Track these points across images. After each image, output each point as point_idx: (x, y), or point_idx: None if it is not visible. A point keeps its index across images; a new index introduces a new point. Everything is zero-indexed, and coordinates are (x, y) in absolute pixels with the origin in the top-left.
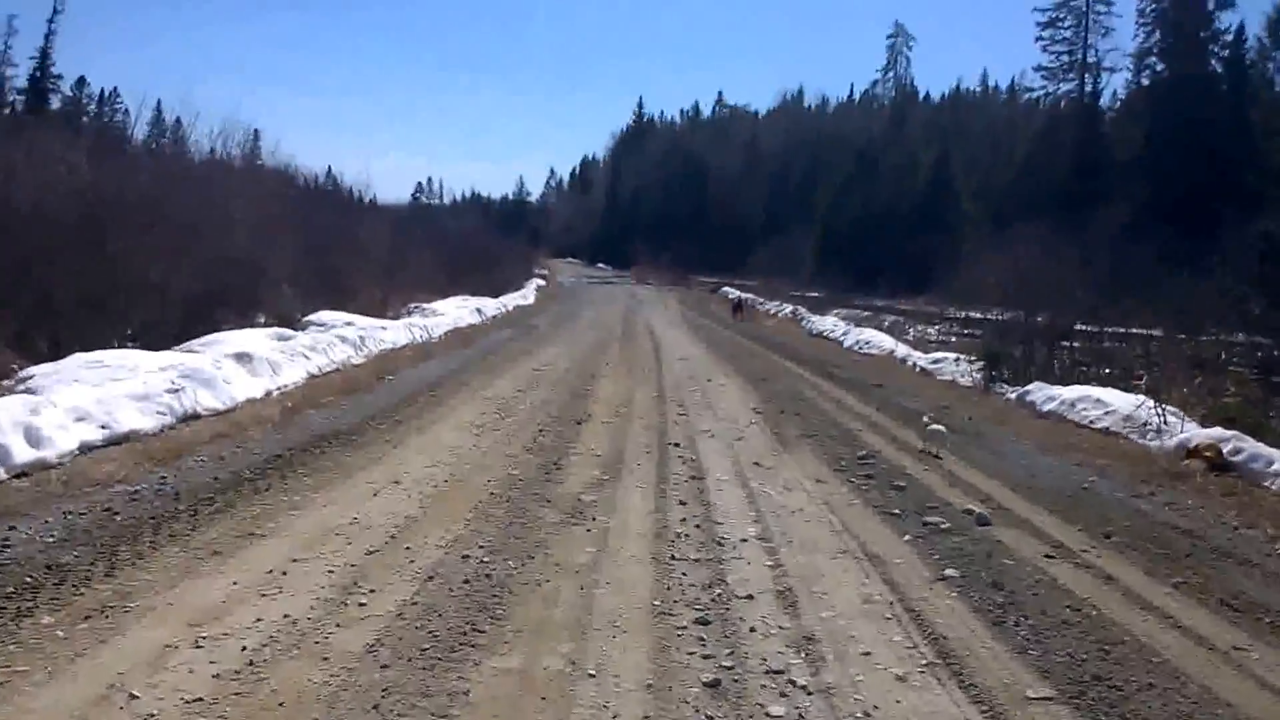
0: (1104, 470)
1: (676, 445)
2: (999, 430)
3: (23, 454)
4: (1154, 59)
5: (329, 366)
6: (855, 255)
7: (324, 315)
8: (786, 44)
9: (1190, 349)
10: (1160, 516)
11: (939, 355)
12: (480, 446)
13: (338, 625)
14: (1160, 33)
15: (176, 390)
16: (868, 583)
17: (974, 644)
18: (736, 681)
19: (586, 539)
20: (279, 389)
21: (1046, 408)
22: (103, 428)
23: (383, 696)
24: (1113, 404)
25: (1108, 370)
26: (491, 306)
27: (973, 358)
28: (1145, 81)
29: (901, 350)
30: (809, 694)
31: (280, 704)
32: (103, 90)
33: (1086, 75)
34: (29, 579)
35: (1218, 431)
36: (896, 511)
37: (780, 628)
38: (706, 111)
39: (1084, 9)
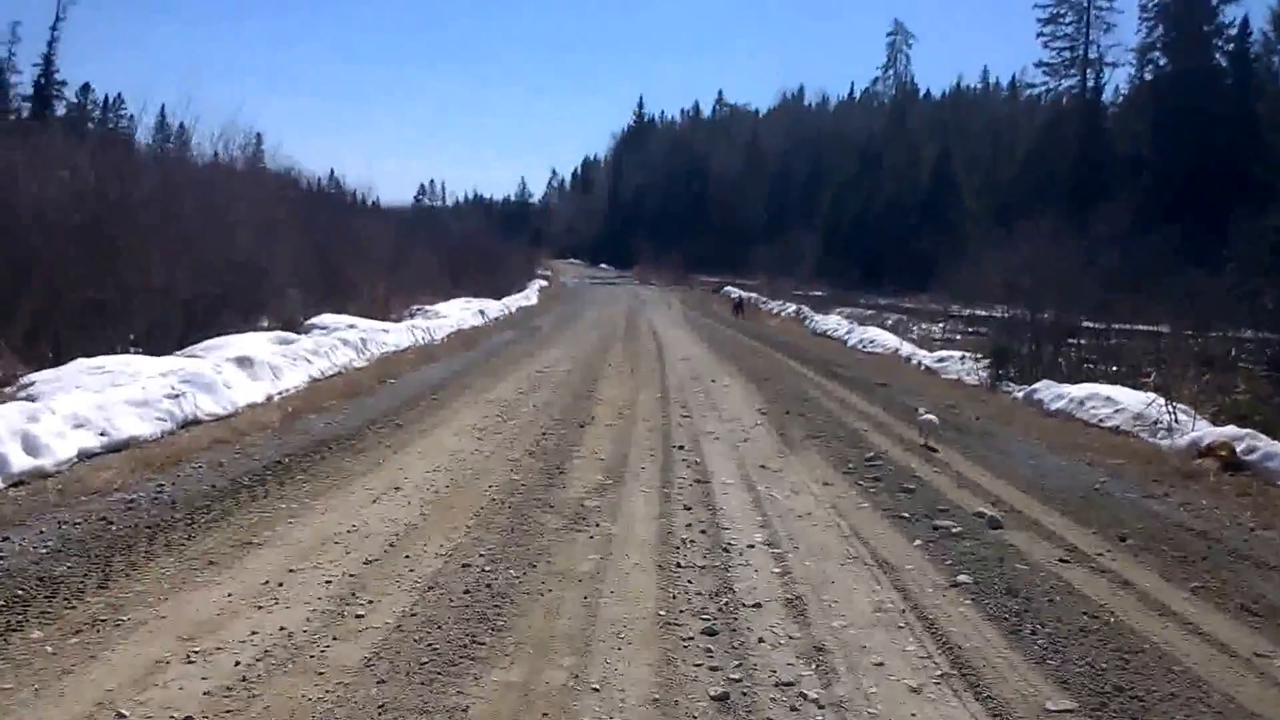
0: (1115, 470)
1: (681, 448)
2: (1007, 429)
3: (20, 462)
4: (1157, 53)
5: (331, 370)
6: (858, 253)
7: (326, 318)
8: (787, 42)
9: (1198, 345)
10: (1174, 518)
11: (944, 354)
12: (482, 451)
13: (334, 638)
14: (1163, 27)
15: (177, 396)
16: (878, 590)
17: (990, 654)
18: (745, 695)
19: (590, 546)
20: (280, 393)
21: (1054, 406)
22: (102, 435)
23: (379, 713)
24: (1122, 402)
25: (1115, 368)
26: (494, 308)
27: (978, 356)
28: (1148, 76)
29: (906, 349)
30: (820, 708)
31: None
32: (106, 96)
33: (1088, 71)
34: (20, 592)
35: (1230, 430)
36: (906, 515)
37: (790, 638)
38: (707, 111)
39: (1085, 4)
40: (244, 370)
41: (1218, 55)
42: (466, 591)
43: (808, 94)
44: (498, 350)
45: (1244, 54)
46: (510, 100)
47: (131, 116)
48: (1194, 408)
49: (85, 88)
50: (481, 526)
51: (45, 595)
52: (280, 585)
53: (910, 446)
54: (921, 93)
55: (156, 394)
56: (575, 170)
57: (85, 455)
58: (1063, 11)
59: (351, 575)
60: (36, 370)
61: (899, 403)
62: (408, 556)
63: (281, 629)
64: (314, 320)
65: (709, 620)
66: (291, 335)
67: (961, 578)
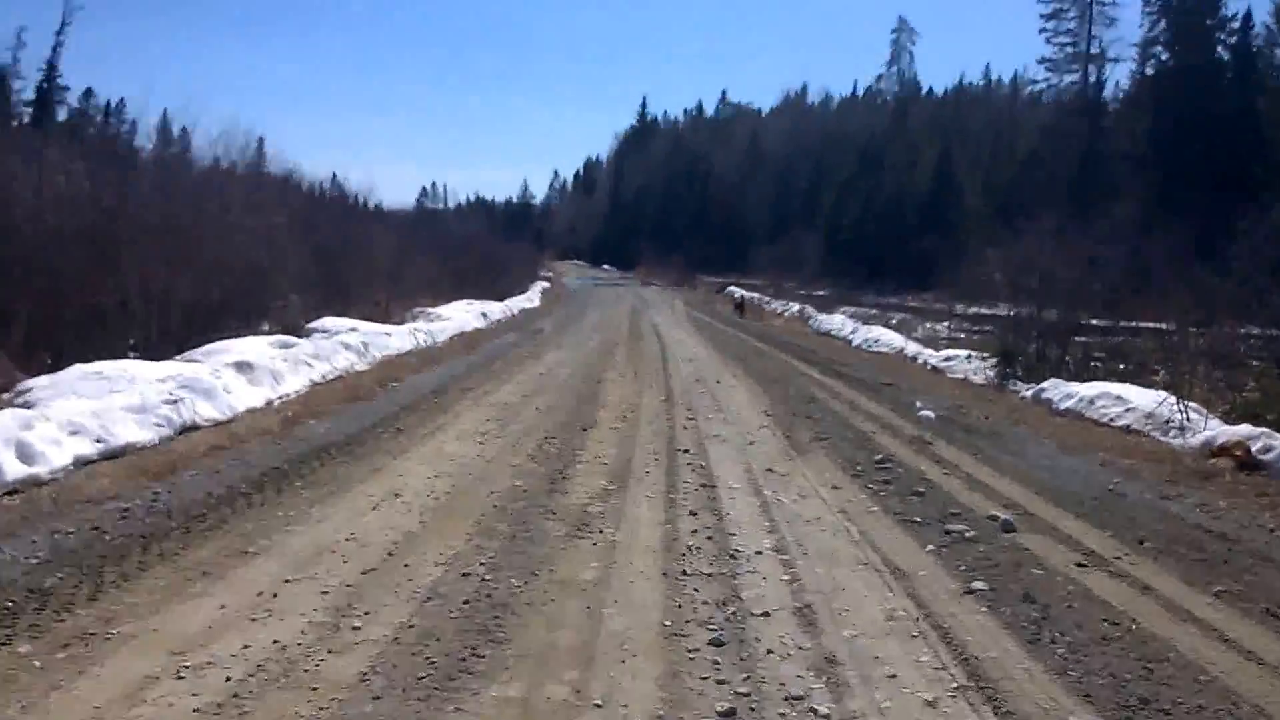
0: (1129, 470)
1: (686, 451)
2: (1017, 430)
3: (14, 470)
4: (1159, 48)
5: (332, 374)
6: (861, 252)
7: (328, 322)
8: (789, 41)
9: (1206, 343)
10: (1192, 519)
11: (950, 353)
12: (484, 456)
13: (329, 652)
14: (1165, 21)
15: (175, 401)
16: (891, 597)
17: (1008, 664)
18: (753, 710)
19: (593, 554)
20: (280, 398)
21: (1064, 405)
22: (98, 441)
23: None
24: (1133, 401)
25: (1122, 365)
26: (496, 310)
27: (985, 355)
28: (1150, 71)
29: (911, 348)
30: None
31: None
32: (108, 101)
33: (1090, 66)
34: (9, 604)
35: (1245, 429)
36: (917, 519)
37: (799, 648)
38: (710, 110)
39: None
40: (243, 375)
41: (1220, 49)
42: (466, 602)
43: (811, 92)
44: (500, 353)
45: (1247, 48)
46: (512, 101)
47: (134, 122)
48: (1206, 406)
49: (88, 93)
50: (482, 534)
51: (35, 607)
52: (275, 596)
53: (920, 448)
54: (924, 90)
55: (154, 400)
56: (577, 171)
57: (81, 462)
58: (1065, 7)
59: (348, 586)
60: (36, 376)
61: (906, 403)
62: (407, 565)
63: (275, 642)
64: (315, 324)
65: (716, 631)
66: (292, 339)
67: (976, 584)
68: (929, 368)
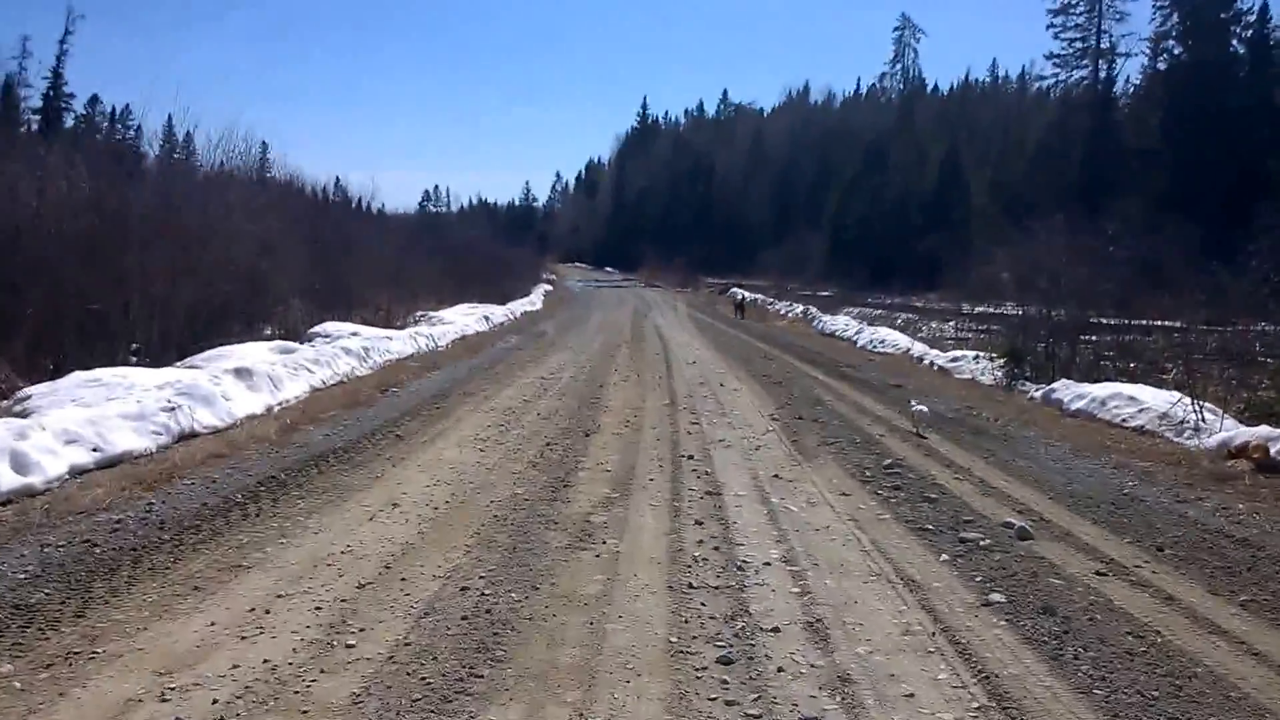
0: (1144, 473)
1: (690, 457)
2: (1028, 432)
3: (8, 481)
4: (1171, 42)
5: (333, 379)
6: (865, 252)
7: (329, 326)
8: (791, 40)
9: (1218, 342)
10: (1212, 524)
11: (957, 353)
12: (484, 463)
13: (321, 671)
14: (1178, 15)
15: (173, 409)
16: (905, 610)
17: (1030, 682)
18: None
19: (596, 566)
20: (280, 404)
21: (1075, 406)
22: (94, 450)
23: None
24: (1146, 401)
25: (1132, 365)
26: (499, 313)
27: (993, 355)
28: (1162, 66)
29: (918, 348)
30: None
31: None
32: (113, 107)
33: (1100, 62)
34: None
35: (1264, 430)
36: (930, 527)
37: (811, 666)
38: (711, 110)
39: None
40: (243, 381)
41: (1235, 43)
42: (464, 618)
43: (813, 91)
44: (502, 356)
45: (1263, 41)
46: (514, 104)
47: (139, 127)
48: (1221, 406)
49: (93, 99)
50: (482, 545)
51: (20, 625)
52: (267, 613)
53: (930, 452)
54: (929, 87)
55: (152, 407)
56: (579, 173)
57: (77, 472)
58: (1074, 1)
59: (343, 600)
60: (38, 384)
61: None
62: (403, 579)
63: (265, 661)
64: (316, 328)
65: (724, 647)
66: (293, 344)
67: (994, 596)
68: (936, 369)
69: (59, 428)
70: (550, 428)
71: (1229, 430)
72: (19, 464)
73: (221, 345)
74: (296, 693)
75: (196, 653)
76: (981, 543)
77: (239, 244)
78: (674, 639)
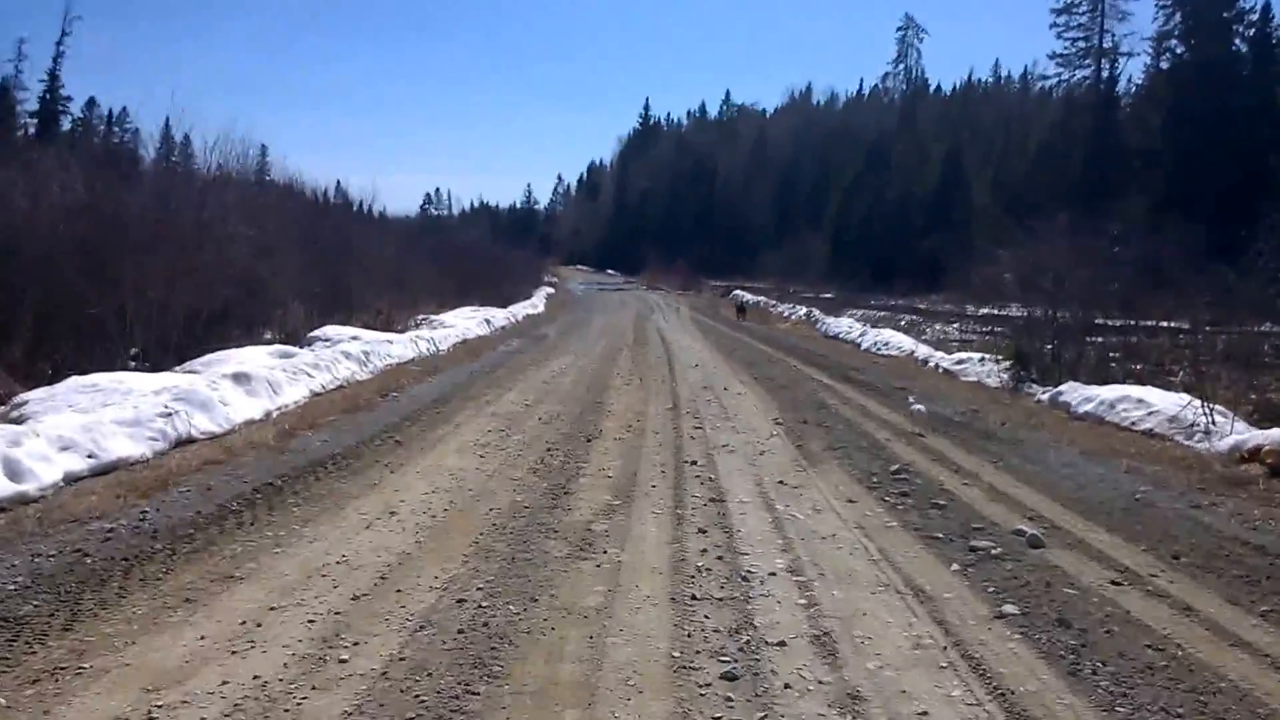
0: (1156, 478)
1: (694, 463)
2: (1036, 435)
3: (1, 489)
4: (1174, 42)
5: (332, 384)
6: (868, 254)
7: (329, 330)
8: (794, 41)
9: (1225, 343)
10: (1228, 531)
11: (962, 355)
12: (484, 469)
13: (313, 688)
14: (1180, 14)
15: (169, 414)
16: (916, 623)
17: (1049, 700)
18: None
19: (597, 576)
20: (279, 409)
21: (1083, 409)
22: (89, 457)
23: None
24: (1155, 404)
25: (1138, 366)
26: (500, 316)
27: (999, 357)
28: (1165, 66)
29: (922, 351)
30: None
31: None
32: (111, 110)
33: (1103, 61)
34: None
35: (1277, 433)
36: (939, 535)
37: (820, 682)
38: (713, 112)
39: None
40: (241, 386)
41: (1238, 42)
42: (461, 631)
43: (816, 92)
44: (503, 360)
45: (1265, 40)
46: (515, 107)
47: (136, 130)
48: (1231, 408)
49: (90, 102)
50: (480, 555)
51: (7, 638)
52: (259, 626)
53: (937, 457)
54: (932, 87)
55: (148, 413)
56: (581, 176)
57: (71, 479)
58: (1077, 1)
59: (337, 613)
60: (35, 389)
61: (920, 409)
62: (399, 591)
63: (255, 678)
64: (316, 332)
65: (728, 662)
66: (292, 349)
67: (1007, 607)
68: (941, 371)
69: (54, 434)
70: (551, 433)
71: (1240, 433)
72: (13, 471)
73: (221, 349)
74: (287, 710)
75: (185, 668)
76: (993, 551)
77: (237, 247)
78: (677, 653)
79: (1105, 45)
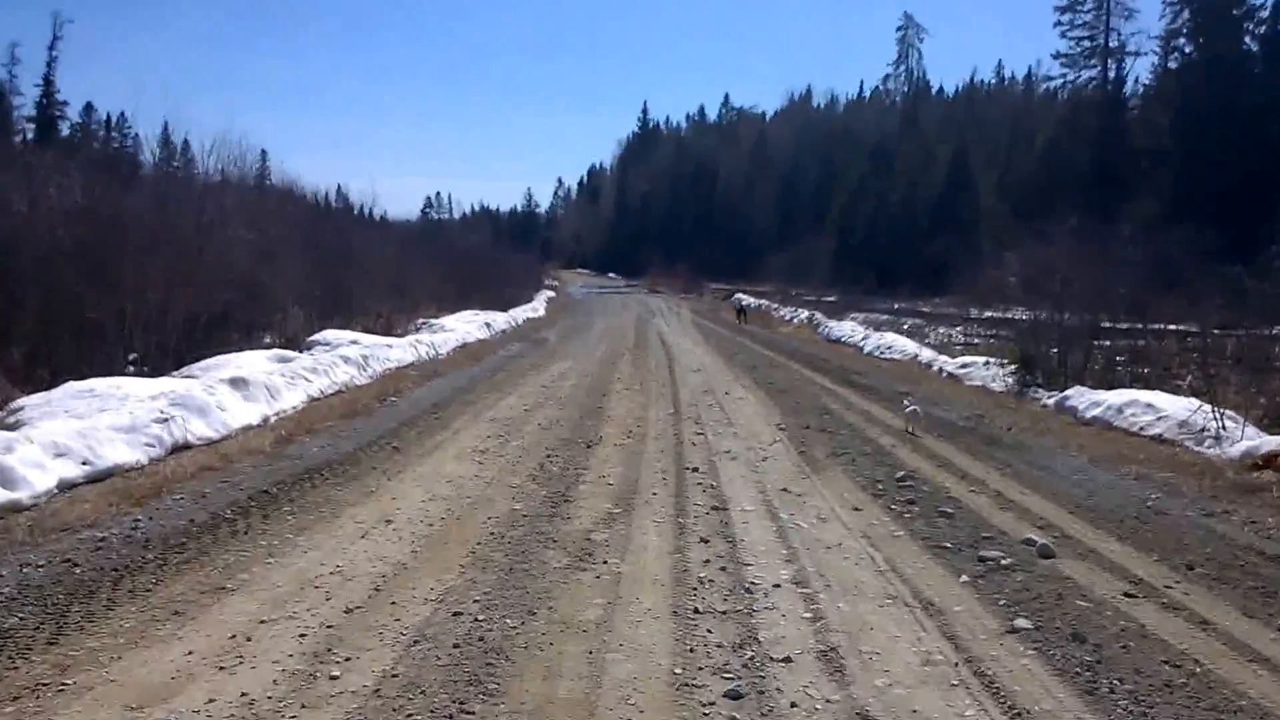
0: (1167, 485)
1: (695, 470)
2: (1042, 441)
3: None
4: (1182, 40)
5: (331, 388)
6: (871, 257)
7: (328, 334)
8: (794, 42)
9: (1233, 346)
10: (1242, 540)
11: (967, 359)
12: (482, 476)
13: (302, 706)
14: (1189, 11)
15: (166, 420)
16: (925, 638)
17: None
18: None
19: (596, 588)
20: (277, 414)
21: (1090, 414)
22: (84, 463)
23: None
24: (1164, 409)
25: (1145, 370)
26: (501, 320)
27: (1004, 361)
28: (1172, 65)
29: (926, 354)
30: None
31: None
32: (108, 115)
33: (1109, 61)
34: None
35: None
36: (948, 545)
37: (827, 701)
38: (713, 115)
39: None
40: (238, 391)
41: (1247, 40)
42: (456, 646)
43: (816, 94)
44: (503, 364)
45: (1276, 38)
46: (516, 110)
47: (136, 135)
48: (1241, 413)
49: (88, 107)
50: (477, 566)
51: None
52: (249, 640)
53: (943, 463)
54: (934, 89)
55: (144, 418)
56: (581, 179)
57: (66, 486)
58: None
59: (329, 627)
60: (35, 393)
61: (926, 415)
62: (394, 603)
63: (243, 695)
64: (316, 337)
65: (732, 679)
66: (290, 353)
67: (1019, 621)
68: (945, 375)
69: (48, 440)
70: (551, 439)
71: (1251, 439)
72: (6, 479)
73: (220, 354)
74: None
75: (171, 685)
76: (1002, 562)
77: (237, 251)
78: (678, 670)
79: (1111, 45)
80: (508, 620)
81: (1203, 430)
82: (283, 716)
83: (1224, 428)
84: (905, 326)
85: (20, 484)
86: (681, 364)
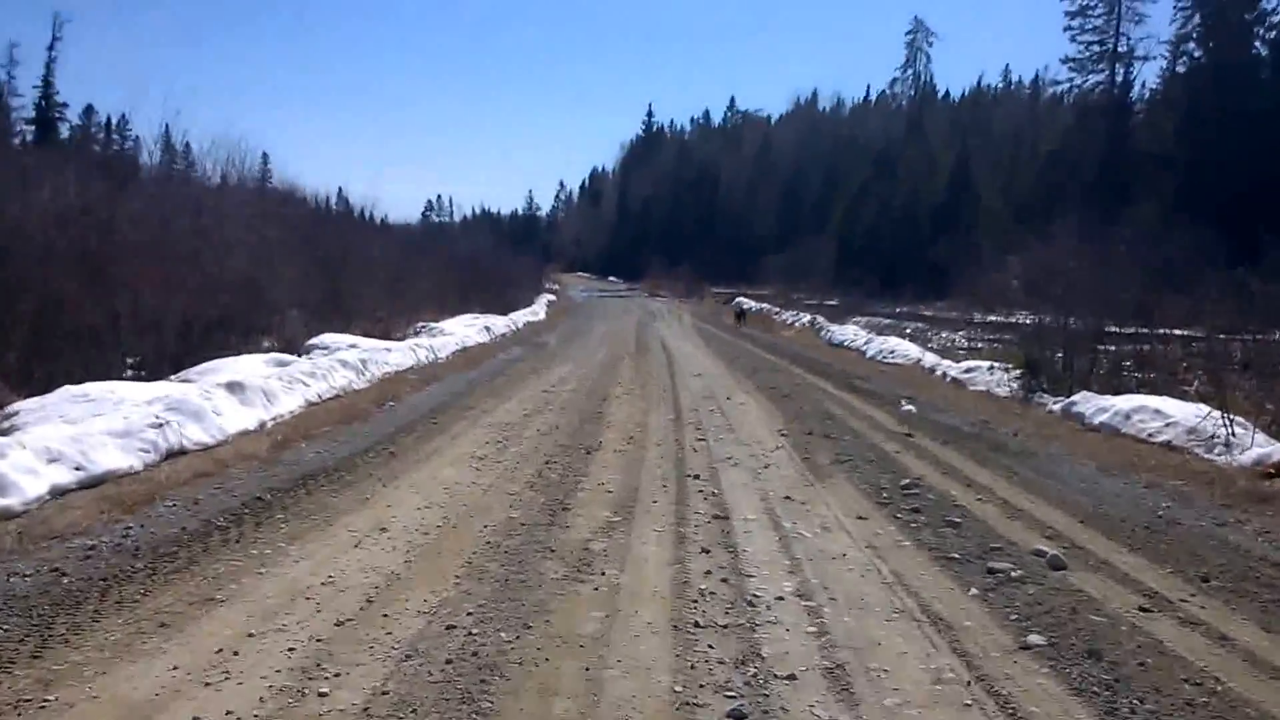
0: (1178, 493)
1: (696, 477)
2: (1049, 447)
3: None
4: (1191, 45)
5: (329, 393)
6: (874, 261)
7: (327, 338)
8: (799, 46)
9: (1240, 351)
10: (1257, 551)
11: (971, 364)
12: (480, 483)
13: None
14: (1199, 16)
15: (161, 425)
16: (935, 654)
17: None
18: None
19: (594, 600)
20: (273, 419)
21: (1097, 420)
22: (77, 469)
23: None
24: (1173, 415)
25: (1150, 374)
26: (501, 324)
27: (1008, 365)
28: (1182, 69)
29: (929, 359)
30: None
31: None
32: (109, 117)
33: (1117, 65)
34: None
35: None
36: (955, 555)
37: None
38: (717, 118)
39: None
40: (235, 396)
41: (1258, 45)
42: (449, 662)
43: (822, 98)
44: (503, 369)
45: None
46: (517, 112)
47: (136, 138)
48: (1250, 419)
49: (88, 109)
50: (472, 576)
51: None
52: (236, 654)
53: (948, 470)
54: (941, 93)
55: (139, 423)
56: (583, 182)
57: (58, 492)
58: (1092, 4)
59: (319, 640)
60: (30, 397)
61: (928, 420)
62: (386, 615)
63: (228, 713)
64: (314, 340)
65: (735, 698)
66: (288, 357)
67: (1032, 637)
68: (949, 380)
69: (41, 446)
70: (550, 445)
71: (1262, 446)
72: None
73: (217, 358)
74: None
75: (155, 702)
76: (1012, 573)
77: (235, 254)
78: (679, 688)
79: (1120, 49)
80: (502, 634)
81: (1212, 437)
82: None
83: (1234, 434)
84: (908, 330)
85: (12, 490)
86: (682, 368)
